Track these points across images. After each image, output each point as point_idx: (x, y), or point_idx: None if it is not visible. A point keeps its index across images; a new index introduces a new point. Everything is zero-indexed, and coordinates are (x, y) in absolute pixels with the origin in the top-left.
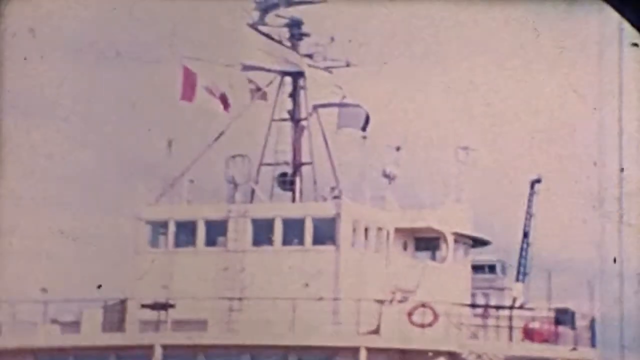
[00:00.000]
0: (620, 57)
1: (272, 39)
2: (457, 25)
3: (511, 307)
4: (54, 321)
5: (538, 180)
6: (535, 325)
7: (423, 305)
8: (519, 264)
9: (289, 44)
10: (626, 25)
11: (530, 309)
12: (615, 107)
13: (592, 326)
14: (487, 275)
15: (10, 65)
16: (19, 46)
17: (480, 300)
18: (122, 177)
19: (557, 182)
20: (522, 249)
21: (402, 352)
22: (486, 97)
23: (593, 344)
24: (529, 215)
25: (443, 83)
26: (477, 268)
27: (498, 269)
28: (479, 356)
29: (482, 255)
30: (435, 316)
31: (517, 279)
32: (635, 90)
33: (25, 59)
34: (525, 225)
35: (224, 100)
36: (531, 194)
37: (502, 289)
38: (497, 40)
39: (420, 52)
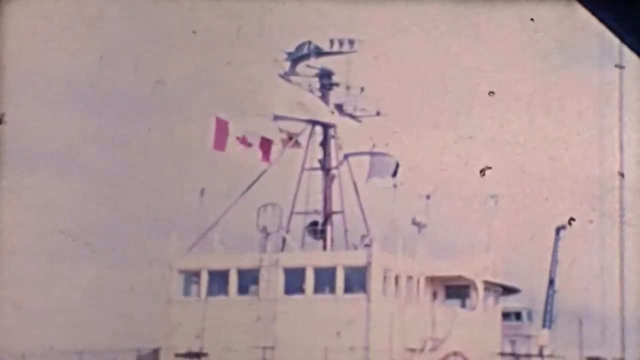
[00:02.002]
0: (621, 57)
1: (304, 89)
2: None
3: (542, 355)
4: None
5: (563, 227)
6: None
7: (455, 354)
8: (545, 311)
9: (319, 94)
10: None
11: (562, 358)
12: (615, 107)
13: None
14: (514, 323)
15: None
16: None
17: (507, 348)
18: (155, 227)
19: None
20: (548, 295)
21: None
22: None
23: None
24: (554, 262)
25: (470, 131)
26: (503, 315)
27: (524, 316)
28: None
29: (507, 303)
30: None
31: (544, 326)
32: (635, 91)
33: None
34: (551, 272)
35: (264, 147)
36: (556, 240)
37: (528, 336)
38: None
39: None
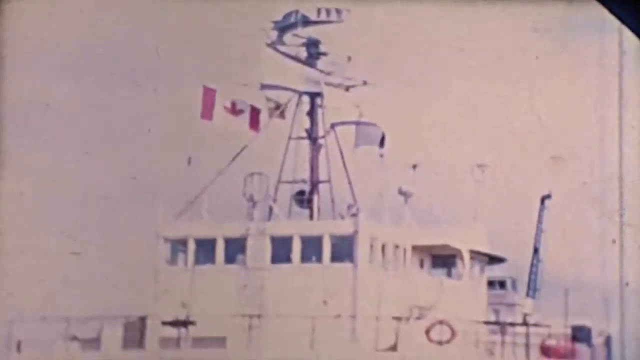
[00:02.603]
0: (621, 57)
1: (291, 57)
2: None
3: (528, 324)
4: (74, 338)
5: (548, 196)
6: (552, 342)
7: (441, 322)
8: (529, 280)
9: (306, 63)
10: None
11: (547, 326)
12: (615, 107)
13: (608, 343)
14: (498, 291)
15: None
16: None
17: (491, 316)
18: (141, 196)
19: (569, 199)
20: (532, 264)
21: None
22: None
23: None
24: (539, 231)
25: (458, 101)
26: (487, 284)
27: (508, 285)
28: None
29: (492, 272)
30: (453, 333)
31: (528, 295)
32: (635, 91)
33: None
34: (535, 241)
35: (252, 117)
36: (541, 210)
37: (512, 305)
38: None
39: (437, 69)
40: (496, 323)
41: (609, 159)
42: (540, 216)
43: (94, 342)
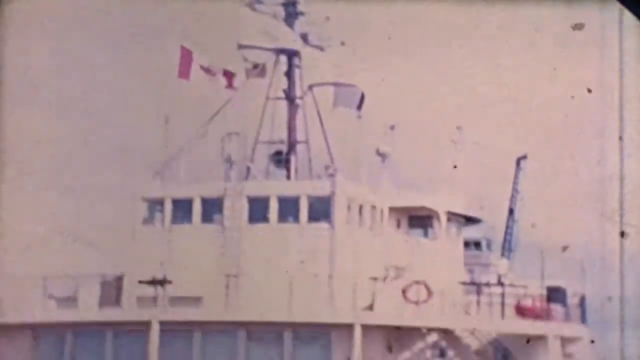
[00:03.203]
0: (621, 56)
1: (268, 17)
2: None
3: (503, 285)
4: (51, 297)
5: (524, 157)
6: (527, 302)
7: (417, 283)
8: (505, 240)
9: (284, 23)
10: (626, 25)
11: (523, 287)
12: (615, 107)
13: (582, 304)
14: (473, 252)
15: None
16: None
17: (466, 277)
18: (119, 155)
19: (545, 160)
20: (507, 225)
21: (397, 328)
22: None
23: (583, 321)
24: (514, 192)
25: (437, 63)
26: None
27: (483, 245)
28: (472, 332)
29: (467, 233)
30: (429, 293)
31: (503, 255)
32: (635, 90)
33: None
34: (511, 202)
35: (228, 77)
36: (517, 171)
37: (487, 265)
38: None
39: (416, 31)
40: (473, 284)
41: (610, 159)
42: (515, 177)
43: (71, 301)
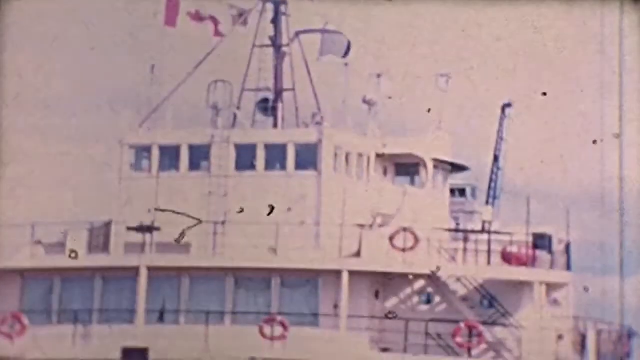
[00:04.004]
0: (621, 56)
1: None
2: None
3: (490, 232)
4: (38, 242)
5: (509, 105)
6: (513, 249)
7: (404, 230)
8: (489, 188)
9: None
10: (626, 25)
11: (509, 234)
12: (616, 107)
13: (567, 250)
14: (458, 199)
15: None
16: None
17: (452, 224)
18: (106, 103)
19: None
20: (492, 172)
21: (384, 275)
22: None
23: (568, 267)
24: (499, 139)
25: (425, 11)
26: None
27: (468, 192)
28: (458, 279)
29: (452, 180)
30: (416, 240)
31: (487, 202)
32: (635, 90)
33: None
34: (495, 149)
35: (215, 24)
36: (502, 118)
37: (472, 213)
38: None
39: None
40: (459, 230)
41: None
42: (500, 124)
43: (59, 247)
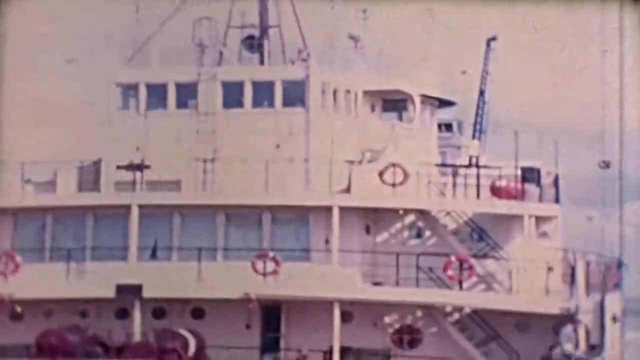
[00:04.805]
0: (621, 56)
1: None
2: None
3: (479, 166)
4: (28, 181)
5: (494, 38)
6: (502, 183)
7: (393, 165)
8: (475, 122)
9: None
10: (626, 25)
11: (497, 168)
12: (616, 106)
13: (556, 183)
14: (444, 134)
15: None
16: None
17: (439, 159)
18: (92, 41)
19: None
20: (478, 106)
21: (374, 210)
22: None
23: (557, 200)
24: (485, 73)
25: None
26: None
27: (454, 127)
28: (448, 213)
29: (439, 115)
30: (406, 175)
31: (474, 137)
32: (636, 90)
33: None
34: (481, 83)
35: None
36: (487, 52)
37: (458, 147)
38: None
39: None
40: (448, 165)
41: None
42: (486, 58)
43: (49, 185)
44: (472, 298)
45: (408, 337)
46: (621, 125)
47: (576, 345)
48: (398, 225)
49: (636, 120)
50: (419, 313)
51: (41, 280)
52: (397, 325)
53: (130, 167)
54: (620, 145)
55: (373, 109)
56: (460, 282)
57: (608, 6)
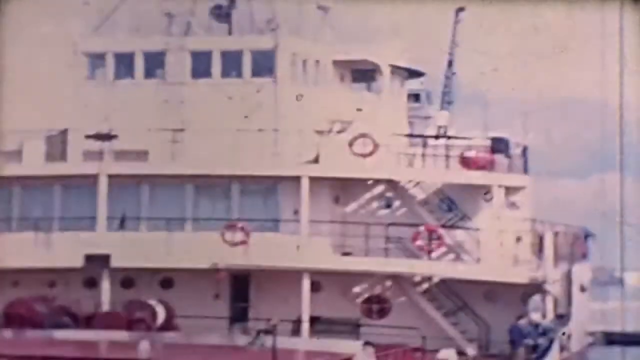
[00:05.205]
0: (621, 56)
1: None
2: None
3: (448, 137)
4: None
5: (462, 9)
6: (471, 153)
7: (363, 136)
8: (444, 93)
9: None
10: (626, 25)
11: (467, 138)
12: (616, 106)
13: (524, 154)
14: (412, 104)
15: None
16: None
17: (408, 129)
18: (59, 10)
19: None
20: (446, 77)
21: (343, 180)
22: None
23: (526, 171)
24: (453, 44)
25: None
26: None
27: (423, 97)
28: (417, 183)
29: (408, 85)
30: (375, 146)
31: (442, 108)
32: (636, 90)
33: None
34: (449, 54)
35: None
36: (456, 22)
37: (427, 118)
38: None
39: None
40: (418, 136)
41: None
42: (454, 29)
43: (16, 155)
44: (440, 268)
45: (377, 306)
46: (621, 126)
47: (544, 315)
48: (367, 195)
49: (636, 120)
50: (388, 283)
51: (9, 249)
52: (366, 295)
53: (98, 136)
54: (620, 145)
55: (342, 79)
56: (429, 252)
57: (608, 6)
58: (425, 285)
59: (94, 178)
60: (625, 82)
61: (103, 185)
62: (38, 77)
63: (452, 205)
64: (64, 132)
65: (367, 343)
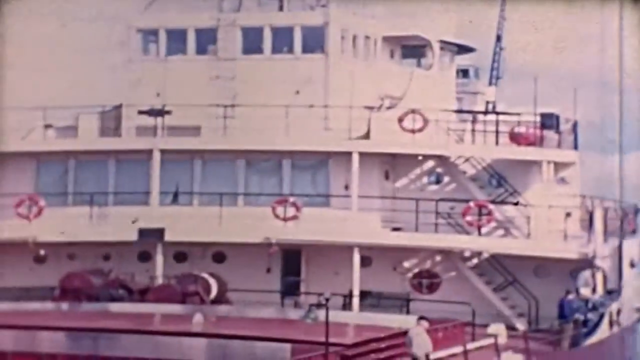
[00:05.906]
0: (621, 56)
1: None
2: None
3: (498, 112)
4: (49, 126)
5: None
6: (521, 129)
7: (412, 112)
8: (492, 68)
9: None
10: (626, 25)
11: (516, 114)
12: (616, 106)
13: (574, 129)
14: (460, 80)
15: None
16: None
17: (458, 105)
18: None
19: None
20: (494, 52)
21: (393, 156)
22: None
23: (575, 147)
24: (501, 19)
25: None
26: None
27: (471, 73)
28: (467, 159)
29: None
30: (425, 122)
31: (490, 83)
32: (635, 89)
33: None
34: (498, 29)
35: None
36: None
37: (475, 94)
38: None
39: None
40: (468, 112)
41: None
42: (502, 3)
43: (71, 130)
44: (490, 243)
45: (427, 281)
46: (621, 126)
47: (593, 290)
48: (417, 171)
49: (636, 119)
50: (438, 258)
51: (64, 223)
52: (416, 270)
53: (152, 112)
54: (620, 145)
55: (392, 55)
56: (479, 228)
57: (608, 6)
58: (475, 261)
59: (147, 153)
60: (625, 82)
61: (156, 160)
62: (91, 52)
63: (501, 180)
64: (118, 108)
65: (421, 317)
